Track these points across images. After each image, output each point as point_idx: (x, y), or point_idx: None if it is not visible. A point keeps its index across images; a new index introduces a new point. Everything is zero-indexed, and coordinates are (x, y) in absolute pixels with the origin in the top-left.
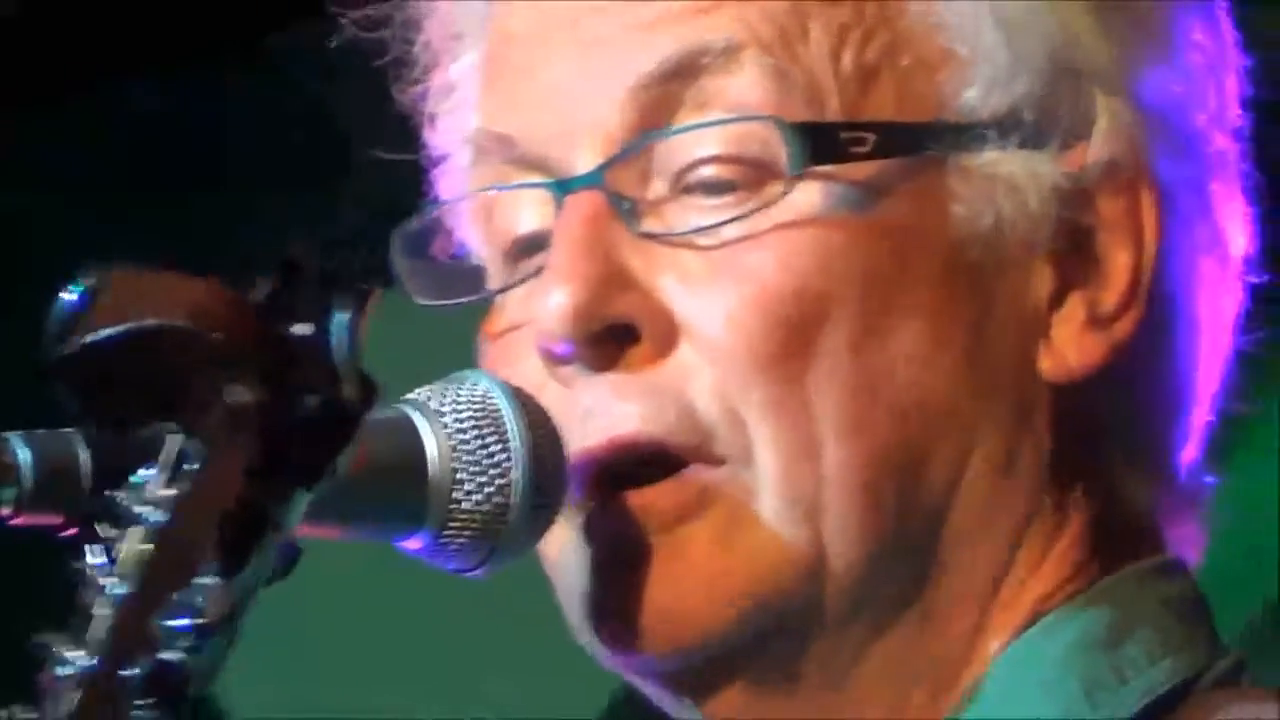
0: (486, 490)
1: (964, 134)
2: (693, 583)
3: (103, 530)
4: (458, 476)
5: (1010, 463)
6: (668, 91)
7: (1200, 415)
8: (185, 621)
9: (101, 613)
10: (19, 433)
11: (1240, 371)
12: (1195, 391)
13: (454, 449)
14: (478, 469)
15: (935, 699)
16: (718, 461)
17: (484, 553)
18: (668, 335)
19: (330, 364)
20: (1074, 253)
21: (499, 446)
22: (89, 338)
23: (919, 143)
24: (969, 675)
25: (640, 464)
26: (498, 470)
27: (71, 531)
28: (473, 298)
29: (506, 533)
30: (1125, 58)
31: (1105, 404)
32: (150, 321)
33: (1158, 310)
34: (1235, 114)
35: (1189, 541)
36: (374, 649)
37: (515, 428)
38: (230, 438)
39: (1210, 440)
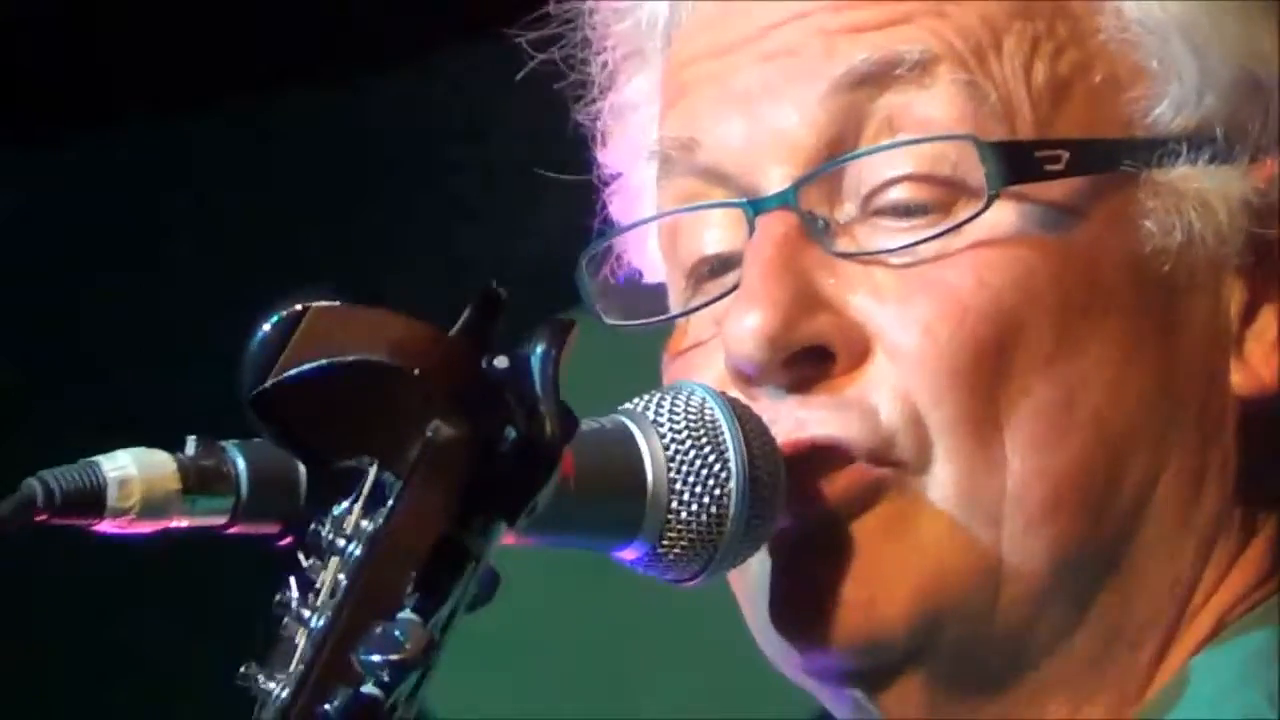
0: (704, 501)
1: (1156, 150)
2: (864, 576)
3: (303, 561)
4: (675, 487)
5: (1199, 478)
6: (857, 101)
7: None
8: (384, 657)
9: (301, 645)
10: (236, 441)
11: None
12: None
13: (671, 459)
14: (695, 479)
15: (1118, 709)
16: (894, 465)
17: (700, 563)
18: (861, 350)
19: (531, 398)
20: (1265, 268)
21: (715, 457)
22: (289, 372)
23: (1112, 159)
24: (1153, 685)
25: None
26: (715, 481)
27: (287, 542)
28: (662, 318)
29: (723, 543)
30: None
31: None
32: (351, 357)
33: None
34: None
35: None
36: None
37: (732, 439)
38: (432, 474)
39: None
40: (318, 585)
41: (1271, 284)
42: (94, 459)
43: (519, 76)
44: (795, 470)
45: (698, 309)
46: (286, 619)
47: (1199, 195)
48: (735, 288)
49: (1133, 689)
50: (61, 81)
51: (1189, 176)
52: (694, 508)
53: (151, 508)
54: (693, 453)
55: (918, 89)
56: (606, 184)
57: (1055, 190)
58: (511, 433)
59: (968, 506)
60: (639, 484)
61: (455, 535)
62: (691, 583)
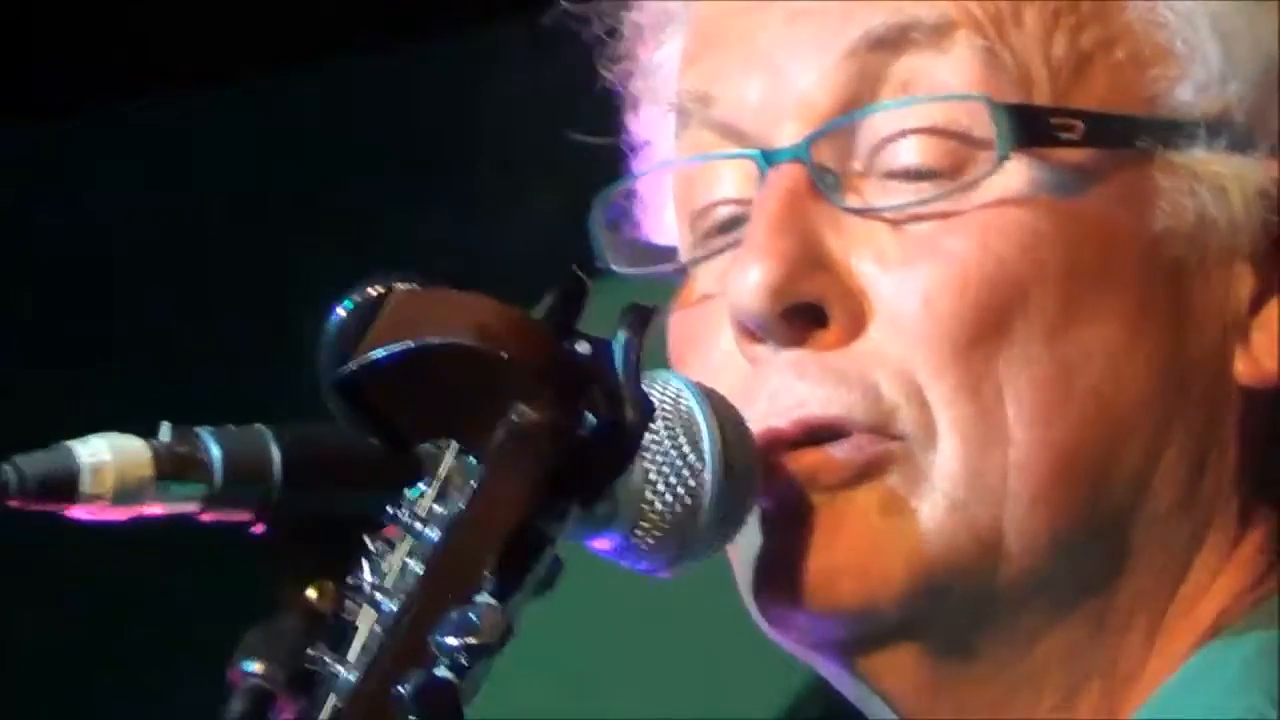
0: (678, 491)
1: (1174, 131)
2: (859, 544)
3: (374, 544)
4: (649, 477)
5: (1199, 464)
6: (874, 63)
7: None
8: (461, 640)
9: (372, 627)
10: (210, 428)
11: None
12: None
13: (645, 449)
14: (669, 470)
15: (1110, 695)
16: (894, 438)
17: (674, 553)
18: (858, 317)
19: (613, 384)
20: (1274, 258)
21: (690, 447)
22: (376, 354)
23: (1129, 135)
24: (1148, 676)
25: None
26: (690, 471)
27: (259, 529)
28: (669, 267)
29: (697, 533)
30: None
31: None
32: (437, 340)
33: None
34: None
35: None
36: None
37: (706, 428)
38: (516, 458)
39: None
40: (386, 568)
41: None
42: (67, 443)
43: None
44: (796, 447)
45: (705, 259)
46: (356, 601)
47: (1215, 180)
48: (739, 242)
49: (1123, 673)
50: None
51: (1206, 161)
52: (668, 498)
53: (125, 494)
54: (667, 443)
55: (935, 53)
56: (634, 149)
57: (1068, 160)
58: (591, 418)
59: (971, 482)
60: None
61: (535, 520)
62: (665, 572)
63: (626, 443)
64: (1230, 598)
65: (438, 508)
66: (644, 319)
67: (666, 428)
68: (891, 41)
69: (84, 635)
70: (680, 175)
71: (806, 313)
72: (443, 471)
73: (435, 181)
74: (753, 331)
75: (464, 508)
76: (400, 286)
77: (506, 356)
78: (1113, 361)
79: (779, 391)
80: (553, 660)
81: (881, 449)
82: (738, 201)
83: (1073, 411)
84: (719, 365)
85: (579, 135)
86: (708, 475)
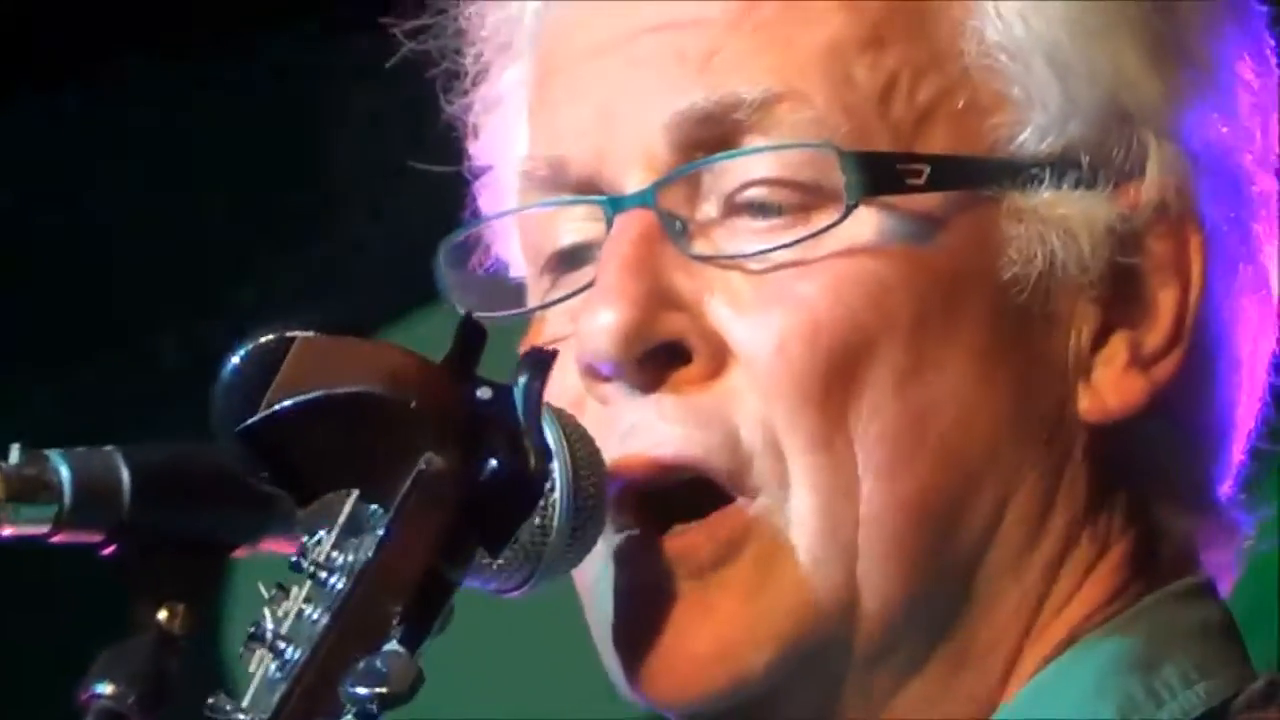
0: None
1: (1019, 173)
2: (726, 629)
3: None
4: None
5: (1049, 503)
6: (710, 128)
7: (1237, 451)
8: (370, 690)
9: (277, 676)
10: (59, 450)
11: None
12: (1234, 428)
13: None
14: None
15: None
16: (752, 492)
17: (525, 574)
18: (718, 357)
19: (515, 431)
20: (1120, 293)
21: None
22: (284, 404)
23: (975, 178)
24: (1001, 701)
25: (679, 487)
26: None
27: (110, 551)
28: (516, 311)
29: (547, 554)
30: (1176, 99)
31: (1146, 441)
32: (345, 389)
33: (1200, 350)
34: None
35: (1223, 570)
36: None
37: (557, 449)
38: (423, 505)
39: (1247, 475)
40: (282, 614)
41: (1125, 310)
42: None
43: (389, 65)
44: (655, 503)
45: (554, 304)
46: (257, 650)
47: (1062, 222)
48: (591, 284)
49: (979, 713)
50: None
51: (1053, 202)
52: None
53: None
54: None
55: (765, 126)
56: (476, 176)
57: (915, 207)
58: (493, 464)
59: (826, 538)
60: None
61: (441, 567)
62: (516, 593)
63: (529, 489)
64: (1083, 615)
65: (336, 554)
66: (544, 364)
67: None
68: (718, 117)
69: None
70: (528, 219)
71: (663, 353)
72: (342, 519)
73: (278, 199)
74: (605, 376)
75: (371, 555)
76: (300, 334)
77: (414, 405)
78: (961, 410)
79: (637, 428)
80: None
81: (743, 518)
82: (586, 246)
83: (922, 462)
84: (570, 405)
85: (422, 164)
86: (558, 496)
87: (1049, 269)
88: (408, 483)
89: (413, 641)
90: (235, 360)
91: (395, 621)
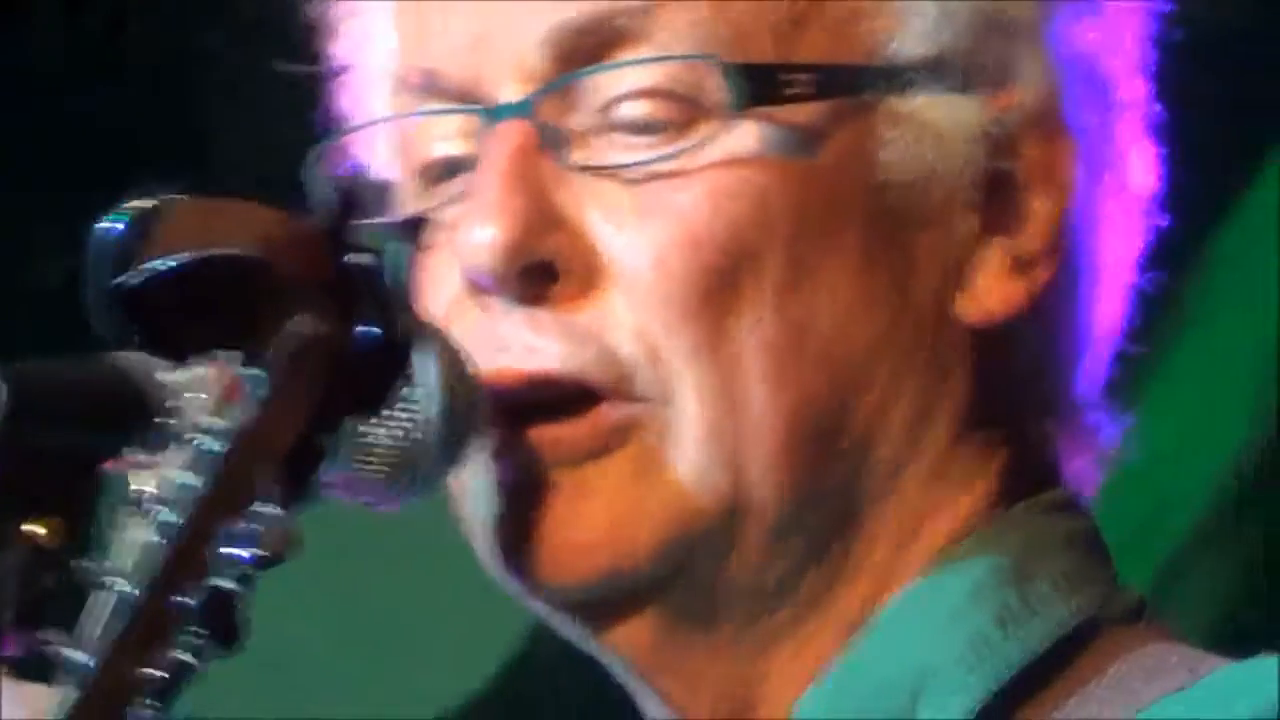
0: (401, 423)
1: (895, 78)
2: (601, 518)
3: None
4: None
5: (928, 411)
6: (587, 39)
7: (1100, 355)
8: (243, 551)
9: (149, 539)
10: None
11: (1142, 312)
12: (1095, 332)
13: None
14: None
15: (840, 644)
16: (636, 399)
17: (399, 486)
18: (591, 275)
19: (385, 296)
20: (995, 199)
21: (413, 378)
22: (158, 265)
23: (852, 85)
24: (867, 615)
25: (557, 399)
26: (412, 403)
27: None
28: (392, 220)
29: (421, 466)
30: (1047, 6)
31: (1020, 349)
32: (220, 250)
33: (1069, 255)
34: (1148, 55)
35: (1084, 478)
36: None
37: (430, 364)
38: (296, 369)
39: (1112, 382)
40: (156, 480)
41: (1003, 215)
42: None
43: None
44: (530, 406)
45: (429, 212)
46: (126, 513)
47: (935, 126)
48: (468, 193)
49: (850, 626)
50: None
51: (927, 106)
52: (391, 431)
53: None
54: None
55: (646, 32)
56: (336, 75)
57: (795, 116)
58: (363, 329)
59: (711, 445)
60: None
61: (314, 431)
62: (390, 506)
63: (400, 353)
64: (954, 527)
65: (213, 420)
66: (413, 230)
67: None
68: (597, 28)
69: None
70: (399, 126)
71: (541, 271)
72: (215, 384)
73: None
74: (486, 289)
75: (245, 419)
76: (173, 198)
77: (285, 266)
78: (841, 319)
79: (511, 342)
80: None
81: (625, 414)
82: (461, 159)
83: (804, 372)
84: (448, 314)
85: (283, 64)
86: (431, 406)
87: (924, 173)
88: (280, 345)
89: (288, 504)
90: (108, 223)
91: (269, 486)
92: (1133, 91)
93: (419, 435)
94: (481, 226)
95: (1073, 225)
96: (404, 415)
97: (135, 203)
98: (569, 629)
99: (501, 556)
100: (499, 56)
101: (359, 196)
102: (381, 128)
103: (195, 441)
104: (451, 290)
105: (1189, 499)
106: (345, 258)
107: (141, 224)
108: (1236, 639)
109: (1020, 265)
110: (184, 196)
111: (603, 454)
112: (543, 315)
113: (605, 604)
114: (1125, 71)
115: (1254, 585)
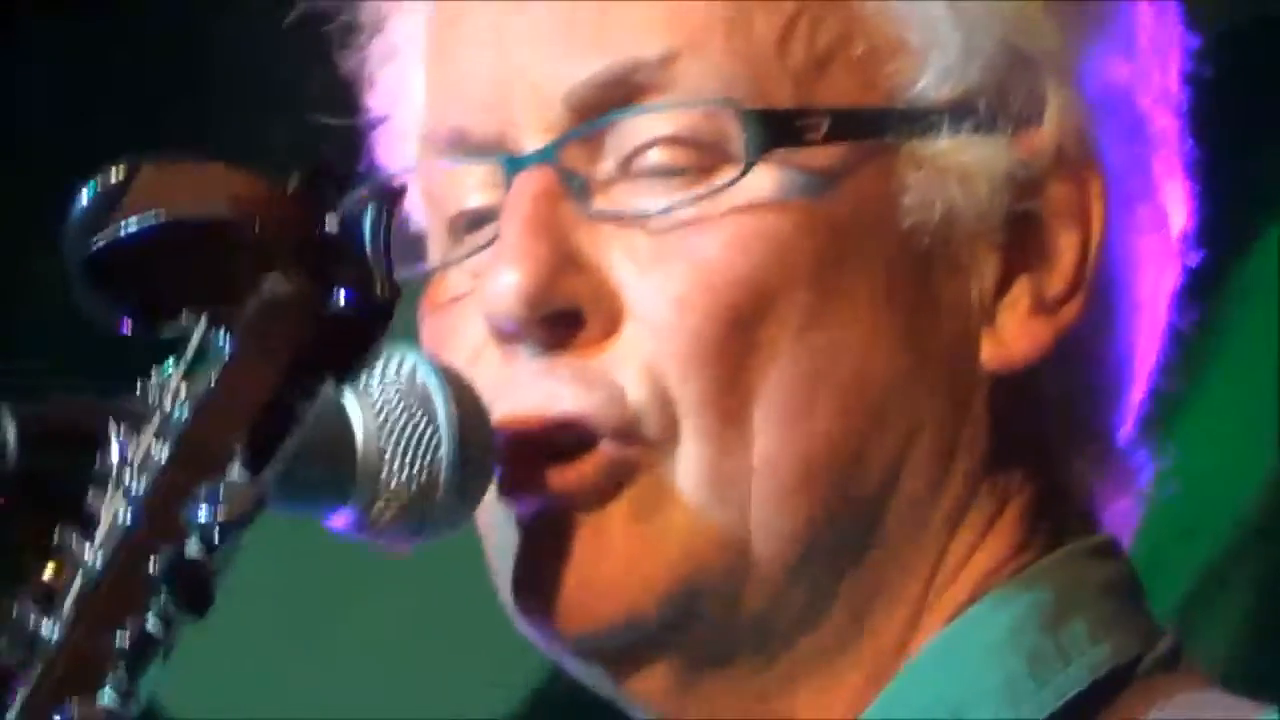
0: (415, 466)
1: (917, 121)
2: (613, 561)
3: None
4: (386, 455)
5: (950, 452)
6: (610, 92)
7: (1138, 393)
8: (210, 516)
9: (119, 507)
10: None
11: (1175, 349)
12: (1134, 370)
13: (382, 425)
14: (406, 445)
15: (873, 683)
16: (638, 441)
17: (412, 528)
18: (613, 319)
19: (362, 259)
20: (1021, 239)
21: (426, 422)
22: (124, 228)
23: (872, 128)
24: (905, 656)
25: (569, 442)
26: (426, 447)
27: None
28: (418, 269)
29: (434, 509)
30: (1075, 43)
31: (1048, 388)
32: (189, 212)
33: (1100, 293)
34: (1179, 91)
35: (1123, 518)
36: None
37: (443, 404)
38: (265, 332)
39: (1146, 418)
40: (133, 450)
41: (1026, 256)
42: None
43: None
44: (543, 449)
45: (455, 262)
46: (105, 486)
47: (961, 169)
48: (493, 241)
49: (881, 666)
50: None
51: (952, 149)
52: (404, 475)
53: None
54: (404, 418)
55: (666, 83)
56: (374, 126)
57: (815, 160)
58: (340, 292)
59: (716, 487)
60: (350, 451)
61: (285, 395)
62: (402, 547)
63: (377, 316)
64: (987, 570)
65: (184, 385)
66: (391, 195)
67: (402, 402)
68: (619, 81)
69: None
70: (428, 180)
71: (563, 318)
72: (190, 350)
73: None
74: (509, 335)
75: (212, 382)
76: (149, 161)
77: (258, 228)
78: (860, 362)
79: (528, 386)
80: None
81: (621, 457)
82: (489, 209)
83: (819, 414)
84: (471, 361)
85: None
86: (444, 452)
87: (947, 217)
88: (250, 308)
89: (256, 469)
90: (83, 194)
91: (238, 448)
92: (1165, 126)
93: (432, 477)
94: (503, 272)
95: (1104, 263)
96: (417, 456)
97: (107, 169)
98: (590, 678)
99: (520, 605)
100: (523, 112)
101: (332, 163)
102: (412, 180)
103: (167, 409)
104: (476, 338)
105: (1211, 529)
106: (322, 219)
107: (110, 192)
108: (1260, 669)
109: (1046, 305)
110: (157, 160)
111: (610, 497)
112: (560, 361)
113: (622, 651)
114: (1157, 106)
115: (1277, 616)
